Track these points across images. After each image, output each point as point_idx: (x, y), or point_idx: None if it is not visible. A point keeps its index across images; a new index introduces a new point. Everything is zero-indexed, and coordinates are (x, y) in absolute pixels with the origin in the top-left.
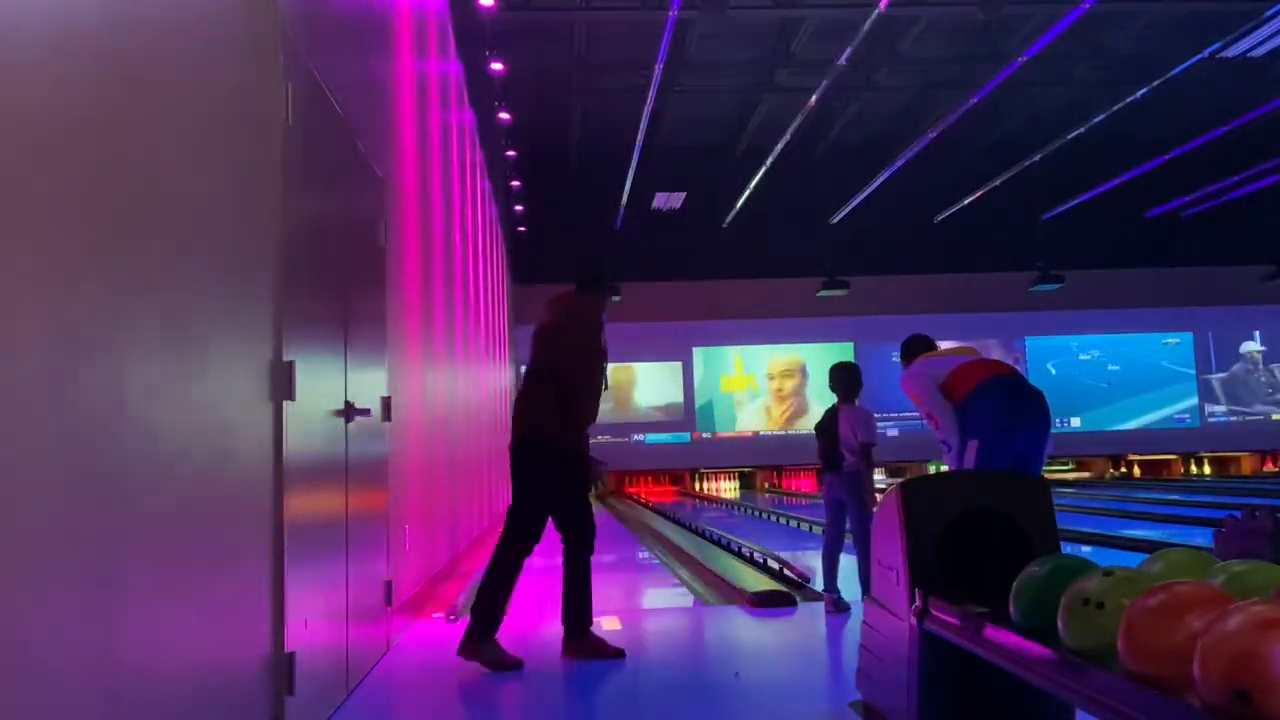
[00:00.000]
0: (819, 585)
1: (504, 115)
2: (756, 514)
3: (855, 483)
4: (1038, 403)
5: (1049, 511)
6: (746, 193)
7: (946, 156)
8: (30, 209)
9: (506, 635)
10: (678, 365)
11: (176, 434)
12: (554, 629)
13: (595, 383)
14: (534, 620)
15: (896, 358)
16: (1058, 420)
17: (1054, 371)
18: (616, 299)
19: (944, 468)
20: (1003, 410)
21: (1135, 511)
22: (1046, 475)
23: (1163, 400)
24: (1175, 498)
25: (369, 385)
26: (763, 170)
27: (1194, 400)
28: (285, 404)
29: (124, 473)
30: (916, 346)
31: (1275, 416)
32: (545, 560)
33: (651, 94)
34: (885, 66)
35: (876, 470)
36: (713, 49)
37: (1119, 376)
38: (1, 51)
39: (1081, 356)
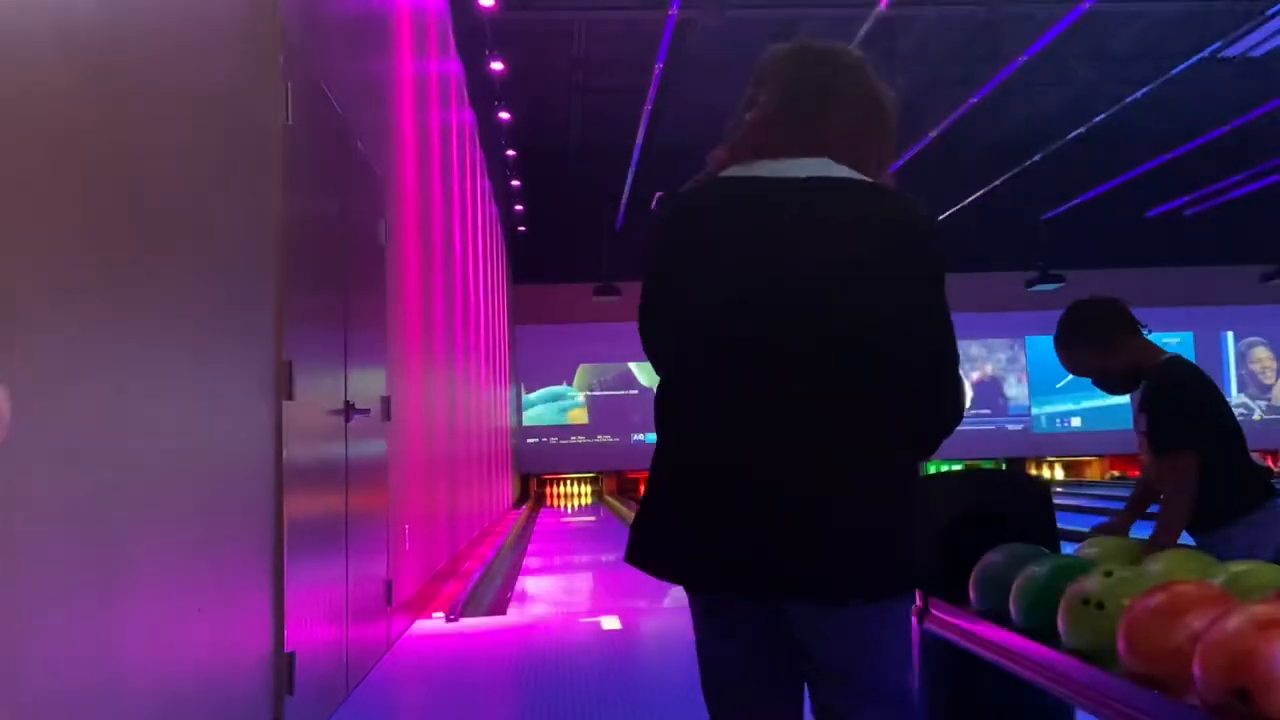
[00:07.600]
0: None
1: (504, 115)
2: None
3: None
4: None
5: (1049, 512)
6: None
7: (946, 156)
8: (29, 209)
9: (512, 632)
10: None
11: (176, 434)
12: (556, 626)
13: None
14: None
15: None
16: (1057, 420)
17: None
18: (616, 299)
19: (944, 467)
20: None
21: None
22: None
23: None
24: None
25: (369, 385)
26: None
27: None
28: (285, 404)
29: (124, 472)
30: None
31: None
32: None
33: (651, 94)
34: (885, 66)
35: None
36: (713, 48)
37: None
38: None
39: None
